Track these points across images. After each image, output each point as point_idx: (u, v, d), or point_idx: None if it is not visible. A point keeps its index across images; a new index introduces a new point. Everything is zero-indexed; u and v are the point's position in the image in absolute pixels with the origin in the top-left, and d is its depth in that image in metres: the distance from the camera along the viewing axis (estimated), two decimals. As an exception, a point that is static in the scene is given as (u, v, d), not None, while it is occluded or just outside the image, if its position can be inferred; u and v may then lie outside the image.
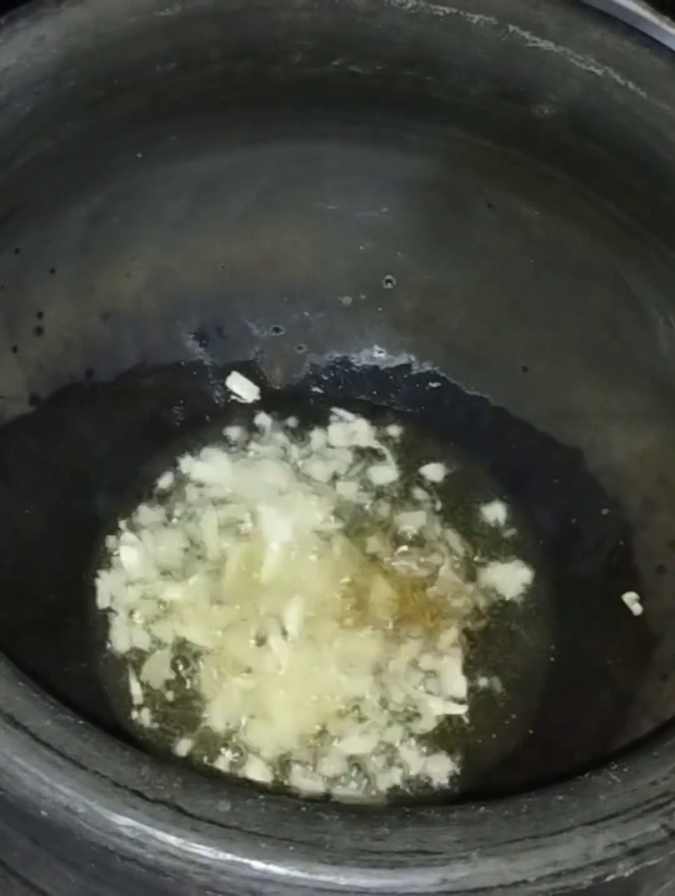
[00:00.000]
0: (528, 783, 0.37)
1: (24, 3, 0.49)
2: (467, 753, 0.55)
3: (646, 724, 0.49)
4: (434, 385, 0.65)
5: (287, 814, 0.33)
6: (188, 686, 0.55)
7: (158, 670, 0.56)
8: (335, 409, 0.65)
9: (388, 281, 0.64)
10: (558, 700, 0.57)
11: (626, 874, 0.33)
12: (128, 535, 0.59)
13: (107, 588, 0.58)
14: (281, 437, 0.64)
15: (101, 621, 0.57)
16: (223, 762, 0.53)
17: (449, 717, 0.56)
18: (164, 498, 0.61)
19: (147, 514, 0.60)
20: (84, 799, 0.33)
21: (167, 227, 0.60)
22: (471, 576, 0.60)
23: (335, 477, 0.63)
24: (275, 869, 0.32)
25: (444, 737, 0.55)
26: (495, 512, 0.62)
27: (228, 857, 0.32)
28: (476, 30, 0.53)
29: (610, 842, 0.33)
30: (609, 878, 0.33)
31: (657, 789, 0.35)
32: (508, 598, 0.60)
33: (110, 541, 0.59)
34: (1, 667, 0.36)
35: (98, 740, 0.34)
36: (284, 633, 0.56)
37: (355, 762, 0.54)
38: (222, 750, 0.54)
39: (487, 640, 0.58)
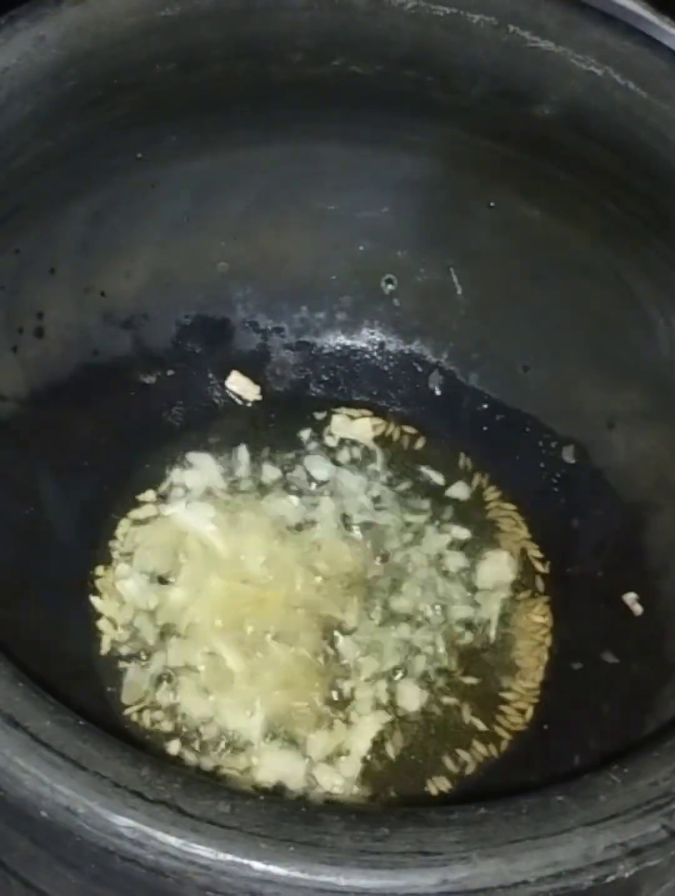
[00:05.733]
0: (528, 783, 0.37)
1: (24, 3, 0.49)
2: (468, 754, 0.55)
3: (646, 724, 0.49)
4: (434, 385, 0.65)
5: (287, 814, 0.33)
6: (186, 687, 0.55)
7: (156, 672, 0.56)
8: (335, 410, 0.65)
9: (388, 281, 0.64)
10: (558, 701, 0.57)
11: (626, 875, 0.33)
12: (124, 528, 0.60)
13: (106, 590, 0.58)
14: (279, 439, 0.64)
15: (101, 622, 0.57)
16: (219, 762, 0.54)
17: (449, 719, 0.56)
18: (161, 499, 0.61)
19: (143, 518, 0.60)
20: (84, 799, 0.33)
21: (167, 227, 0.60)
22: (469, 576, 0.60)
23: (333, 477, 0.63)
24: (275, 870, 0.32)
25: (444, 737, 0.56)
26: (494, 512, 0.62)
27: (229, 857, 0.32)
28: (476, 30, 0.53)
29: (610, 842, 0.33)
30: (610, 879, 0.33)
31: (657, 789, 0.35)
32: (506, 597, 0.60)
33: (109, 541, 0.59)
34: (1, 667, 0.36)
35: (98, 741, 0.34)
36: (274, 638, 0.56)
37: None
38: (219, 750, 0.54)
39: (485, 641, 0.58)
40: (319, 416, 0.65)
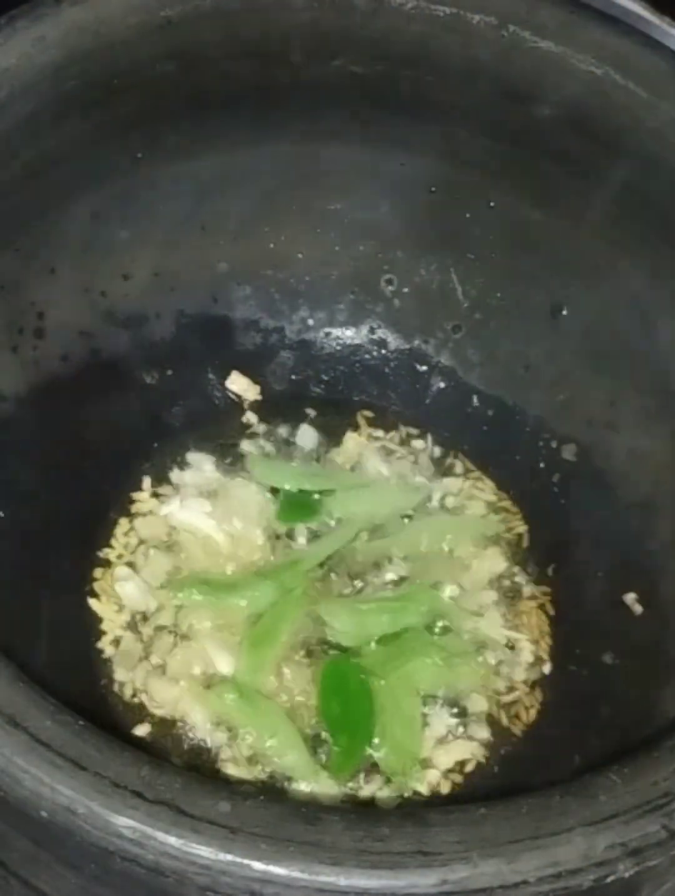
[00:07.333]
0: (528, 783, 0.37)
1: (24, 3, 0.50)
2: (469, 754, 0.55)
3: (646, 725, 0.49)
4: (434, 384, 0.65)
5: (287, 814, 0.33)
6: (187, 688, 0.55)
7: (156, 671, 0.56)
8: (334, 410, 0.65)
9: (388, 281, 0.64)
10: (558, 701, 0.57)
11: (626, 875, 0.33)
12: (124, 528, 0.60)
13: (104, 592, 0.58)
14: (278, 439, 0.64)
15: (101, 622, 0.57)
16: (221, 762, 0.53)
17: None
18: (161, 499, 0.61)
19: (143, 518, 0.60)
20: (84, 800, 0.33)
21: (167, 227, 0.60)
22: (467, 576, 0.60)
23: (332, 475, 0.63)
24: (275, 869, 0.32)
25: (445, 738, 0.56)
26: (494, 512, 0.62)
27: (229, 857, 0.32)
28: (476, 30, 0.53)
29: (610, 842, 0.33)
30: (610, 879, 0.33)
31: (657, 789, 0.35)
32: (503, 596, 0.60)
33: (109, 541, 0.59)
34: (1, 667, 0.36)
35: (98, 741, 0.34)
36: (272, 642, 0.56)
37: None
38: (219, 750, 0.54)
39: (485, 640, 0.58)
40: (318, 416, 0.65)
